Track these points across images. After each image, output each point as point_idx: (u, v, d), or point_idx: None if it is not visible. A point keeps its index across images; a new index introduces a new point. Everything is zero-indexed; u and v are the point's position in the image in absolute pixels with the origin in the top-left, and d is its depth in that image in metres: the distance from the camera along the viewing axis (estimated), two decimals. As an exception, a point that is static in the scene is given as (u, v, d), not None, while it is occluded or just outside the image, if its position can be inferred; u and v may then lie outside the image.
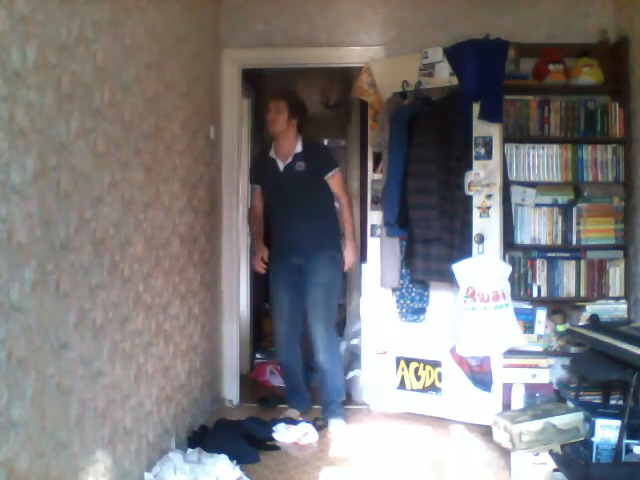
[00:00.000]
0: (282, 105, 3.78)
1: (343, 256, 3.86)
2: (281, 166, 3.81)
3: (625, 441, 2.75)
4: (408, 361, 4.00)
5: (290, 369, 3.96)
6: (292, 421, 3.70)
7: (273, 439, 3.52)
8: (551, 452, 2.84)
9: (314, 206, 3.81)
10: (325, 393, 3.87)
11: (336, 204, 3.97)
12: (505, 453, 3.11)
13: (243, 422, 3.61)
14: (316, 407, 4.01)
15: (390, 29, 4.25)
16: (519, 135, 3.99)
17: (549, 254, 3.98)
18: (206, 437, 3.34)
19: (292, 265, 3.83)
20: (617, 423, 2.81)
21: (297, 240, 3.79)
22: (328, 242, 3.82)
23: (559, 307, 4.01)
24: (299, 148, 3.80)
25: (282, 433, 3.55)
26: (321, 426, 3.71)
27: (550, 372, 3.84)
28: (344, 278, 6.20)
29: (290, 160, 3.79)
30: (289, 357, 3.92)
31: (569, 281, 3.94)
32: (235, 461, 2.97)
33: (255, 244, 4.09)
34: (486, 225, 3.70)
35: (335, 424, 3.74)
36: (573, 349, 3.84)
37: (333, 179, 3.83)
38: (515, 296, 3.80)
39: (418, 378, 3.97)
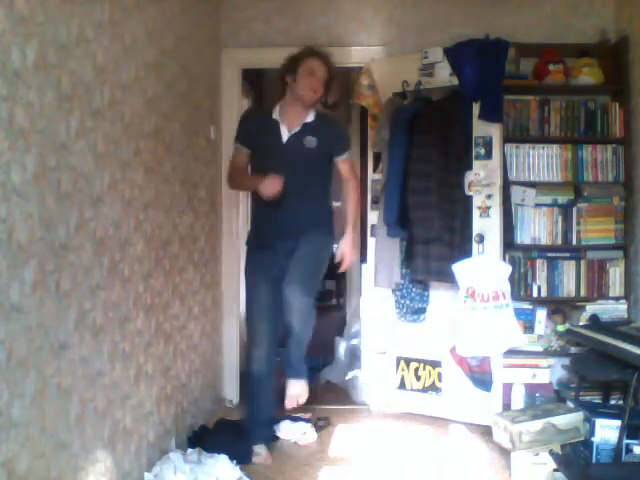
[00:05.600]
0: (327, 76, 3.27)
1: (335, 247, 3.33)
2: (285, 135, 3.23)
3: (625, 441, 2.75)
4: (408, 361, 4.00)
5: (259, 383, 3.35)
6: (294, 418, 3.69)
7: (275, 437, 3.53)
8: (551, 452, 2.84)
9: (318, 189, 3.30)
10: (290, 356, 3.21)
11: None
12: (505, 453, 3.11)
13: (243, 422, 3.61)
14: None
15: (390, 29, 4.25)
16: (519, 135, 3.99)
17: (549, 254, 3.99)
18: (206, 437, 3.33)
19: (277, 252, 3.23)
20: (617, 423, 2.81)
21: (293, 224, 3.19)
22: (324, 226, 3.30)
23: (559, 307, 4.01)
24: (310, 117, 3.25)
25: (287, 430, 3.57)
26: (321, 427, 3.71)
27: (550, 372, 3.84)
28: (343, 278, 6.22)
29: (298, 129, 3.23)
30: (261, 368, 3.32)
31: (569, 281, 3.94)
32: (235, 461, 2.97)
33: (254, 181, 3.22)
34: (486, 225, 3.70)
35: (294, 384, 3.20)
36: (573, 349, 3.84)
37: (345, 162, 3.34)
38: (515, 296, 3.80)
39: (418, 378, 3.97)
